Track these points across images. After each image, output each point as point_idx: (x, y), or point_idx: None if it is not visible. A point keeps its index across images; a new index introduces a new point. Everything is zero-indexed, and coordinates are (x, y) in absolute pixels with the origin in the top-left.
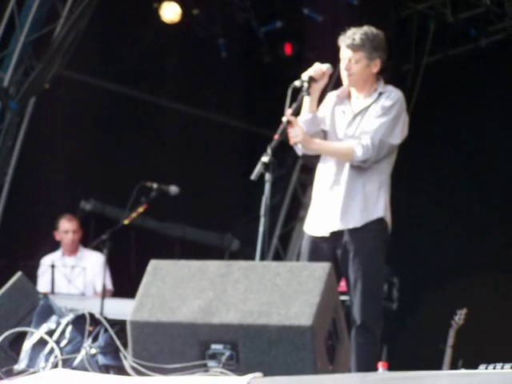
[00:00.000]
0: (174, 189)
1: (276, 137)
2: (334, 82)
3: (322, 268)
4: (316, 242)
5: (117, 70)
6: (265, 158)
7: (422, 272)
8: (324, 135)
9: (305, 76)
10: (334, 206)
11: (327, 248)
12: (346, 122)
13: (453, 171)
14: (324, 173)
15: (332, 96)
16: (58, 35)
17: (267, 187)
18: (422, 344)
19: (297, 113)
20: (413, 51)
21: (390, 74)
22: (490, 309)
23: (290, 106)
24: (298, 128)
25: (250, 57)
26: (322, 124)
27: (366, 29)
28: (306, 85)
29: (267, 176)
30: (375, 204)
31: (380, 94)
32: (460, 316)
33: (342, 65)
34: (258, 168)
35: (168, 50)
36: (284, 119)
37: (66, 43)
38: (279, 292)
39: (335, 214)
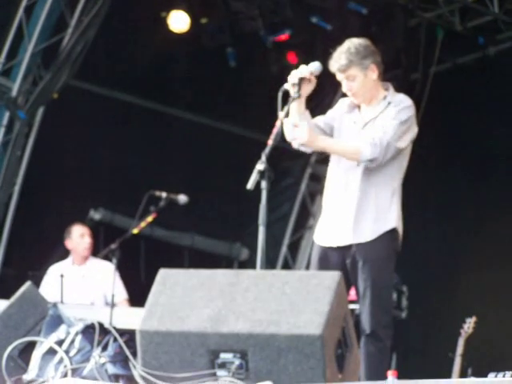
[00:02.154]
0: (182, 198)
1: (269, 142)
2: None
3: (332, 277)
4: (325, 250)
5: (125, 80)
6: (260, 166)
7: (431, 281)
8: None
9: (294, 78)
10: (345, 217)
11: (337, 256)
12: (356, 132)
13: (462, 179)
14: (334, 181)
15: (343, 103)
16: (66, 45)
17: (264, 195)
18: (431, 352)
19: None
20: (421, 60)
21: (398, 83)
22: (499, 317)
23: (281, 110)
24: (302, 127)
25: (259, 66)
26: (328, 128)
27: (347, 44)
28: (296, 87)
29: (263, 184)
30: (387, 214)
31: (389, 103)
32: (469, 324)
33: (343, 87)
34: (254, 176)
35: (176, 59)
36: (277, 123)
37: (75, 53)
38: (288, 301)
39: (347, 227)
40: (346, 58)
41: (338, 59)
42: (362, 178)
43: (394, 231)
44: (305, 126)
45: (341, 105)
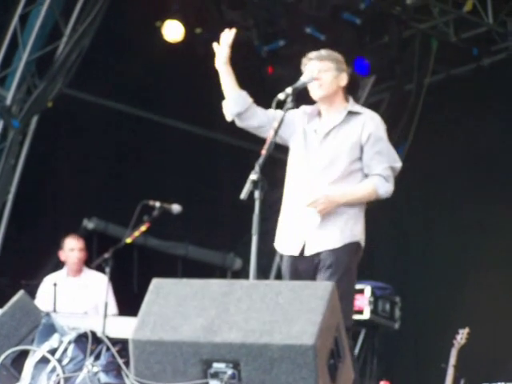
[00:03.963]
0: (176, 207)
1: (263, 152)
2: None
3: (325, 287)
4: (295, 263)
5: (119, 89)
6: (253, 176)
7: (424, 292)
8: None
9: (288, 89)
10: (310, 225)
11: (306, 266)
12: (318, 141)
13: (455, 190)
14: (297, 186)
15: (304, 112)
16: (60, 53)
17: (257, 205)
18: (424, 363)
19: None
20: (415, 71)
21: (392, 94)
22: (492, 328)
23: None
24: (317, 198)
25: (253, 76)
26: (269, 122)
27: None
28: (290, 98)
29: (256, 194)
30: (353, 228)
31: (350, 112)
32: (462, 335)
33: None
34: (247, 186)
35: (170, 69)
36: (271, 133)
37: (69, 61)
38: (281, 311)
39: (313, 234)
40: (327, 51)
41: (319, 51)
42: (330, 188)
43: (357, 244)
44: (321, 196)
45: (301, 112)
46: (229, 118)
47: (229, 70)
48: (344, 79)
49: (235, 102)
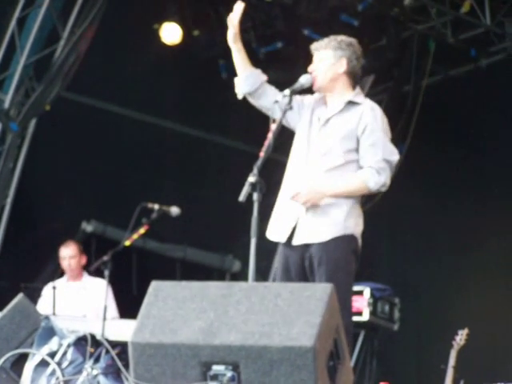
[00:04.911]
0: (175, 210)
1: (261, 154)
2: None
3: (323, 289)
4: (286, 253)
5: (117, 92)
6: (251, 178)
7: (423, 293)
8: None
9: (286, 91)
10: (301, 215)
11: (296, 258)
12: (318, 128)
13: (453, 192)
14: (295, 175)
15: (314, 98)
16: (58, 57)
17: (256, 207)
18: (423, 364)
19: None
20: (413, 72)
21: (390, 95)
22: (491, 329)
23: (273, 121)
24: (299, 190)
25: None
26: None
27: (338, 35)
28: (287, 99)
29: (255, 196)
30: (345, 220)
31: (350, 102)
32: (461, 336)
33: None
34: (246, 189)
35: (168, 71)
36: (269, 135)
37: (67, 65)
38: (280, 313)
39: (303, 225)
40: (327, 39)
41: (321, 40)
42: (325, 177)
43: (350, 236)
44: (303, 189)
45: (312, 99)
46: (239, 96)
47: (239, 47)
48: (343, 65)
49: (245, 82)
